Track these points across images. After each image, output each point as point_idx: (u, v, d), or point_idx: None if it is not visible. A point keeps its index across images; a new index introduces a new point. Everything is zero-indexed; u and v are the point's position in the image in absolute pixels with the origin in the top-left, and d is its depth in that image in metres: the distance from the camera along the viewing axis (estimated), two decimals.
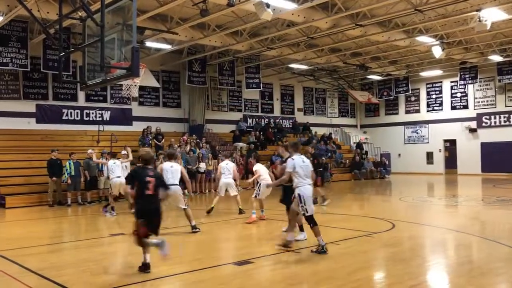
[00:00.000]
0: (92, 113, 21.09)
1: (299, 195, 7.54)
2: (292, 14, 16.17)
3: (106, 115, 21.46)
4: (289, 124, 29.58)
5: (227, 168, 12.21)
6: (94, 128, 19.90)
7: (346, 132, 32.48)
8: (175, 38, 18.80)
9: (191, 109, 24.35)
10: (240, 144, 24.10)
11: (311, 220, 7.59)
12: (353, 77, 30.19)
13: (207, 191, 19.34)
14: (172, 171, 9.56)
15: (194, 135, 22.19)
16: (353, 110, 34.22)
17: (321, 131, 30.20)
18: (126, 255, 7.85)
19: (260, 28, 19.11)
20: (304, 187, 7.57)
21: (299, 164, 7.62)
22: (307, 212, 7.54)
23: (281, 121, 29.05)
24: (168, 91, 23.90)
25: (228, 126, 26.25)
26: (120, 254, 8.30)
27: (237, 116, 26.83)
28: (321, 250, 7.40)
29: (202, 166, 19.26)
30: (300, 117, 30.27)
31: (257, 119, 27.81)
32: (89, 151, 16.27)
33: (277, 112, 29.25)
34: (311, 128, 29.83)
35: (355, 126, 34.13)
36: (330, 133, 30.22)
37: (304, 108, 30.87)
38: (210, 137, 23.89)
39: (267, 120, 28.13)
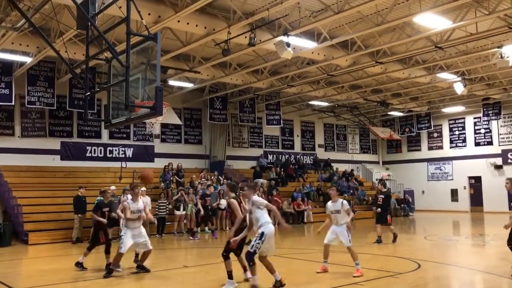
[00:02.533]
0: (115, 150, 21.41)
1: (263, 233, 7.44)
2: (312, 52, 16.38)
3: (129, 152, 21.75)
4: (310, 160, 29.48)
5: None
6: (117, 164, 20.16)
7: (368, 168, 32.16)
8: (197, 77, 19.19)
9: (212, 145, 24.54)
10: (261, 180, 24.02)
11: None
12: (374, 114, 30.12)
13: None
14: None
15: (215, 172, 22.26)
16: (374, 147, 33.98)
17: (342, 167, 29.94)
18: None
19: (280, 66, 19.38)
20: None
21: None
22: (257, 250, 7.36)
23: (301, 157, 28.98)
24: (189, 128, 24.20)
25: (248, 162, 26.29)
26: None
27: (257, 152, 26.90)
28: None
29: (223, 202, 19.21)
30: (321, 153, 30.17)
31: (277, 155, 27.81)
32: (112, 187, 16.44)
33: (297, 148, 29.24)
34: (332, 164, 29.65)
35: (377, 162, 33.79)
36: (352, 170, 29.98)
37: (325, 144, 30.80)
38: (231, 173, 23.92)
39: (287, 156, 28.11)
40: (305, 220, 22.02)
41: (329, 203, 9.37)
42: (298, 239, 16.25)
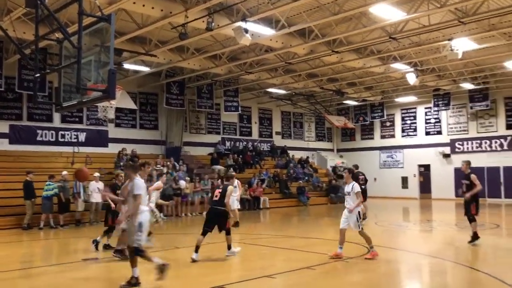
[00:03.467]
0: (67, 134, 20.78)
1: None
2: (270, 39, 16.42)
3: (82, 137, 21.17)
4: (267, 147, 29.70)
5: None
6: (69, 149, 19.61)
7: (323, 156, 32.76)
8: (154, 61, 18.83)
9: (168, 131, 24.25)
10: (218, 167, 24.02)
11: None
12: (329, 102, 30.61)
13: (183, 214, 19.14)
14: None
15: (171, 158, 22.06)
16: (329, 135, 34.61)
17: (298, 154, 30.41)
18: (98, 280, 7.67)
19: (239, 53, 19.31)
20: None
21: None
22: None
23: (259, 144, 29.13)
24: (145, 113, 23.78)
25: (206, 149, 26.18)
26: (92, 279, 8.09)
27: (215, 138, 26.82)
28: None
29: (182, 183, 19.16)
30: (278, 141, 30.45)
31: (235, 142, 27.83)
32: (64, 172, 16.03)
33: (255, 135, 29.36)
34: (289, 151, 30.01)
35: (332, 150, 34.46)
36: (307, 157, 30.49)
37: (282, 131, 31.08)
38: (187, 159, 23.76)
39: (245, 143, 28.19)
40: (261, 206, 22.24)
41: (345, 186, 9.68)
42: (253, 225, 16.41)
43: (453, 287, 7.33)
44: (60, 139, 20.49)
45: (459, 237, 13.25)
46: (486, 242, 11.70)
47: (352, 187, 9.26)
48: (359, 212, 9.19)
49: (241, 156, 26.43)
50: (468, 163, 11.81)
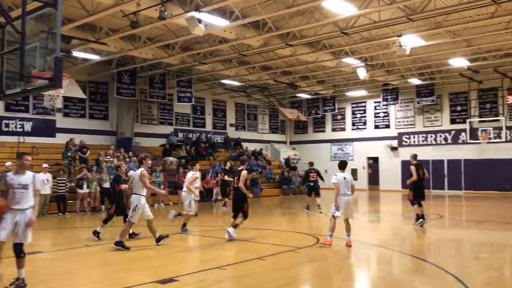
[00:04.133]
0: (12, 123, 19.90)
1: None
2: (224, 30, 16.32)
3: (27, 126, 20.33)
4: (221, 139, 29.64)
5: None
6: (14, 139, 18.79)
7: (276, 148, 33.06)
8: (104, 49, 18.30)
9: (119, 121, 23.71)
10: (170, 158, 23.77)
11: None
12: (283, 95, 30.91)
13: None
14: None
15: (122, 149, 21.60)
16: (283, 127, 34.96)
17: (252, 146, 30.55)
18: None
19: (192, 43, 19.10)
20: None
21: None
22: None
23: (213, 136, 29.02)
24: (95, 103, 23.12)
25: (158, 140, 25.81)
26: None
27: (167, 129, 26.49)
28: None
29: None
30: (232, 133, 30.45)
31: (188, 133, 27.59)
32: (7, 163, 15.37)
33: (209, 127, 29.21)
34: (243, 143, 30.09)
35: (285, 142, 34.85)
36: (261, 149, 30.70)
37: (236, 123, 31.10)
38: (139, 150, 23.31)
39: (198, 134, 28.00)
40: (214, 197, 22.19)
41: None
42: (206, 217, 16.36)
43: (399, 275, 7.61)
44: (3, 129, 19.60)
45: (405, 227, 13.78)
46: (430, 232, 12.24)
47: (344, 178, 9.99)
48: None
49: (194, 147, 26.24)
50: (412, 156, 13.21)
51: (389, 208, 19.24)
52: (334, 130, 33.20)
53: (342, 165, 10.36)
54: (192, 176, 11.61)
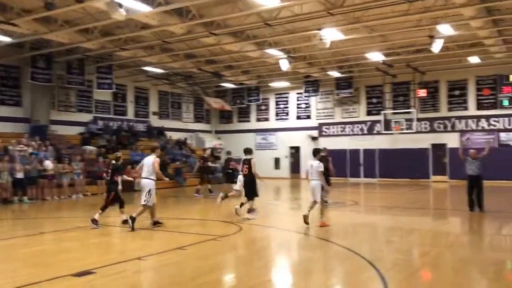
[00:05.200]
0: None
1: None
2: (147, 16, 15.88)
3: None
4: (144, 128, 28.97)
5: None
6: None
7: (201, 137, 32.92)
8: (16, 31, 17.10)
9: (33, 108, 22.38)
10: (90, 147, 22.89)
11: None
12: (208, 84, 30.78)
13: (49, 197, 17.94)
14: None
15: (36, 137, 20.45)
16: (208, 116, 34.83)
17: (176, 135, 30.19)
18: None
19: (112, 28, 18.40)
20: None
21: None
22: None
23: (134, 124, 28.29)
24: (6, 88, 21.62)
25: (76, 128, 24.73)
26: None
27: (86, 117, 25.44)
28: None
29: (48, 164, 17.93)
30: (155, 121, 29.87)
31: (108, 122, 26.67)
32: None
33: (130, 115, 28.42)
34: (166, 132, 29.64)
35: (210, 131, 34.79)
36: (186, 138, 30.42)
37: (159, 112, 30.51)
38: (55, 139, 22.21)
39: (119, 122, 27.17)
40: (136, 188, 21.66)
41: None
42: (127, 207, 15.96)
43: (317, 260, 7.95)
44: None
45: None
46: (346, 217, 12.87)
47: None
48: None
49: (115, 136, 25.46)
50: (324, 149, 13.90)
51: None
52: (258, 120, 33.67)
53: (314, 152, 11.02)
54: (155, 160, 10.67)
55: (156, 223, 10.74)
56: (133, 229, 10.06)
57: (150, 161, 10.48)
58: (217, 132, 34.93)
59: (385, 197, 20.12)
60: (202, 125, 34.13)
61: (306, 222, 10.57)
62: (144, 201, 10.34)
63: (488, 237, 10.26)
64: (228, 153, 18.71)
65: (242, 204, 12.17)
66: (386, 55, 22.56)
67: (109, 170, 11.41)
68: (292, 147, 31.92)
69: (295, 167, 31.63)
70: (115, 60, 23.38)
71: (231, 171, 18.78)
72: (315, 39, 18.57)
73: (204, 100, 31.24)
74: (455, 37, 19.46)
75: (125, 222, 10.61)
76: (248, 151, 12.63)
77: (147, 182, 10.43)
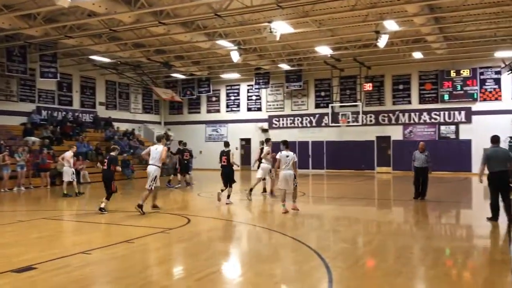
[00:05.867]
0: None
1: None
2: (93, 4, 15.42)
3: None
4: (90, 118, 28.17)
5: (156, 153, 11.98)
6: None
7: (150, 128, 32.40)
8: None
9: None
10: (33, 138, 22.04)
11: None
12: (157, 74, 30.28)
13: None
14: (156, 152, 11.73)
15: None
16: (157, 107, 34.32)
17: (124, 126, 29.58)
18: None
19: (57, 14, 17.71)
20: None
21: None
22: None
23: (80, 114, 27.44)
24: None
25: (18, 118, 23.75)
26: None
27: (29, 107, 24.45)
28: None
29: None
30: (102, 112, 29.12)
31: (53, 112, 25.72)
32: None
33: (76, 105, 27.56)
34: (114, 123, 28.97)
35: (159, 123, 34.30)
36: (133, 129, 29.85)
37: (106, 102, 29.76)
38: None
39: (64, 113, 26.27)
40: (81, 180, 21.11)
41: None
42: (72, 200, 15.54)
43: (264, 251, 8.06)
44: None
45: (273, 205, 14.56)
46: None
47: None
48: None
49: (59, 127, 24.61)
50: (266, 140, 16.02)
51: (259, 187, 20.04)
52: (209, 111, 33.54)
53: (285, 143, 11.85)
54: (164, 149, 11.97)
55: (155, 207, 12.13)
56: (143, 213, 11.28)
57: (158, 150, 11.67)
58: (167, 123, 34.50)
59: (332, 187, 20.64)
60: (151, 116, 33.61)
61: (285, 211, 11.59)
62: (149, 186, 11.51)
63: (429, 226, 10.76)
64: (184, 144, 19.00)
65: (222, 190, 13.60)
66: (334, 49, 23.03)
67: (105, 161, 12.26)
68: (242, 139, 32.03)
69: (245, 158, 31.74)
70: (60, 48, 22.54)
71: (185, 162, 19.42)
72: (265, 32, 18.66)
73: (153, 91, 30.74)
74: (399, 33, 20.19)
75: (102, 210, 11.62)
76: (226, 144, 14.39)
77: (154, 169, 11.64)
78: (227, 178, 13.74)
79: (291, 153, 11.57)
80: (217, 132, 32.92)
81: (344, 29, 20.00)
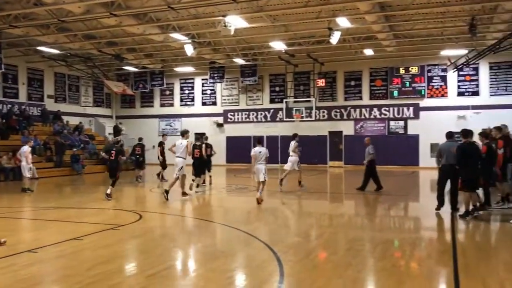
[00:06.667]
0: None
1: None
2: None
3: None
4: (38, 112, 27.13)
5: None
6: None
7: (101, 122, 31.59)
8: None
9: None
10: None
11: None
12: (108, 67, 29.53)
13: None
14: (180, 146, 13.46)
15: None
16: (108, 101, 33.50)
17: (74, 120, 28.69)
18: None
19: (1, 3, 16.92)
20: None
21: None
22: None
23: (27, 108, 26.38)
24: None
25: None
26: None
27: None
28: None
29: None
30: (51, 105, 28.12)
31: None
32: None
33: (23, 97, 26.48)
34: (63, 117, 28.05)
35: (111, 116, 33.51)
36: (80, 122, 28.98)
37: (55, 95, 28.75)
38: None
39: (10, 106, 25.17)
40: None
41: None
42: (18, 197, 14.96)
43: (217, 246, 8.07)
44: None
45: (226, 199, 14.59)
46: (247, 203, 13.16)
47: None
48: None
49: (4, 120, 23.58)
50: (205, 137, 17.64)
51: (213, 181, 20.03)
52: (162, 105, 33.08)
53: (260, 141, 13.12)
54: (189, 143, 14.03)
55: (184, 194, 13.76)
56: (167, 199, 12.99)
57: (183, 144, 13.55)
58: (119, 117, 33.76)
59: (285, 182, 20.84)
60: (102, 109, 32.78)
61: (259, 202, 12.31)
62: (176, 174, 13.28)
63: (378, 218, 11.10)
64: (140, 139, 20.15)
65: (193, 180, 15.20)
66: (288, 44, 23.23)
67: (112, 152, 13.59)
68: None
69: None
70: (4, 38, 21.52)
71: (138, 156, 19.71)
72: (219, 26, 18.55)
73: (105, 84, 29.93)
74: (351, 30, 20.60)
75: (107, 195, 13.15)
76: (198, 138, 16.68)
77: (181, 160, 13.42)
78: (198, 168, 15.49)
79: (263, 149, 12.65)
80: (171, 126, 32.52)
81: (298, 25, 20.20)
